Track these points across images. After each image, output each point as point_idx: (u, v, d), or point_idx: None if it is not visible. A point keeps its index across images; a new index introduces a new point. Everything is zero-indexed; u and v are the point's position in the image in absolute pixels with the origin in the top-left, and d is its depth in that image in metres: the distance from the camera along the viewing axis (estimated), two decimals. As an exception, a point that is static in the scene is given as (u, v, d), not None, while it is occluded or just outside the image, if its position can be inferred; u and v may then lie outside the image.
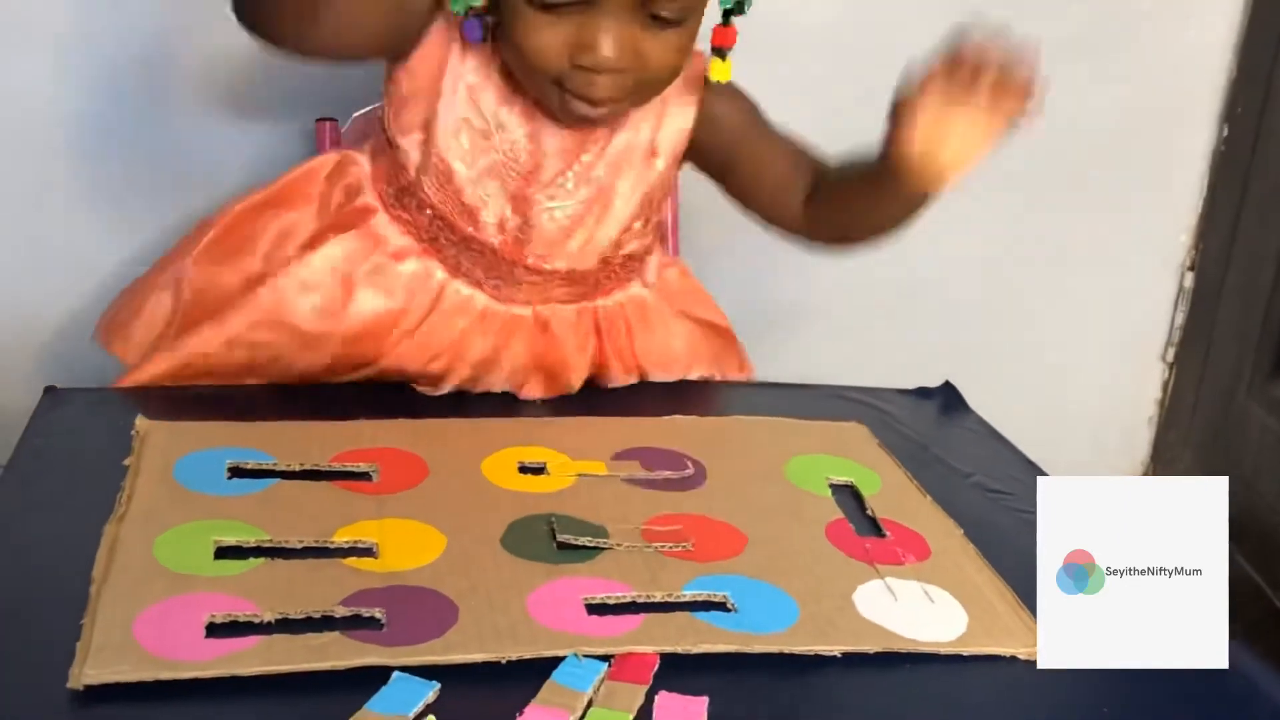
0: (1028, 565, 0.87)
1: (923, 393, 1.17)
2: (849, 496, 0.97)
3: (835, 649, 0.77)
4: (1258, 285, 1.68)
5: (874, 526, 0.92)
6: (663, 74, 0.98)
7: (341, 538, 0.83)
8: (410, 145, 1.04)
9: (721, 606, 0.80)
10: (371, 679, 0.69)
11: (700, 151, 1.09)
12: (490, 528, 0.86)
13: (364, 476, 0.91)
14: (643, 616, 0.78)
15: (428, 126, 1.03)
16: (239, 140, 1.45)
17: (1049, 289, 1.75)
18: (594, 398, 1.13)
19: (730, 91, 1.08)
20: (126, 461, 0.90)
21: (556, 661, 0.73)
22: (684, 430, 1.03)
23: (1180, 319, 1.82)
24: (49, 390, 1.01)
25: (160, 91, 1.42)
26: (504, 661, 0.72)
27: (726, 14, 1.01)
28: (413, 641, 0.72)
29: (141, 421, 0.95)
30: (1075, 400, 1.80)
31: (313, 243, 1.07)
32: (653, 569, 0.83)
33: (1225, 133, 1.72)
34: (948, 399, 1.16)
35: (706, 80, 1.05)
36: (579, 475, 0.94)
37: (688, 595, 0.81)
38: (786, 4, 1.50)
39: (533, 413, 1.06)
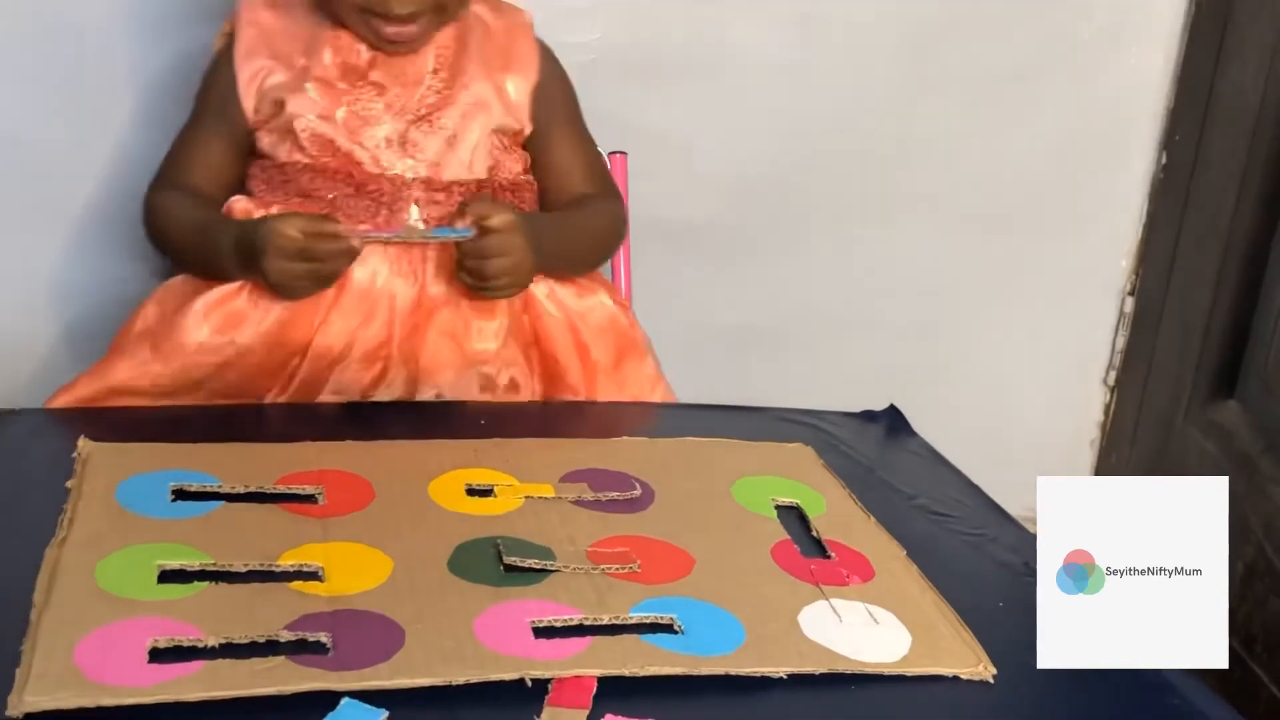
0: (969, 586, 0.89)
1: (868, 416, 1.18)
2: (794, 518, 0.97)
3: (781, 670, 0.77)
4: (1196, 310, 1.71)
5: (819, 548, 0.93)
6: None
7: (287, 561, 0.82)
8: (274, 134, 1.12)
9: (669, 629, 0.80)
10: (317, 704, 0.69)
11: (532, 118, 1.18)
12: (437, 551, 0.85)
13: (310, 499, 0.91)
14: (590, 639, 0.78)
15: (281, 105, 1.11)
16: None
17: (992, 314, 1.77)
18: (540, 417, 1.13)
19: (561, 77, 1.21)
20: (69, 484, 0.89)
21: (504, 685, 0.73)
22: (632, 451, 1.04)
23: (1121, 343, 1.84)
24: (-11, 411, 1.00)
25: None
26: (451, 685, 0.72)
27: None
28: (359, 666, 0.72)
29: (84, 443, 0.94)
30: (1018, 423, 1.82)
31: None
32: (600, 591, 0.83)
33: (1164, 160, 1.75)
34: (892, 422, 1.17)
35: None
36: (526, 497, 0.95)
37: (635, 617, 0.81)
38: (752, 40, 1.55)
39: (481, 433, 1.06)
